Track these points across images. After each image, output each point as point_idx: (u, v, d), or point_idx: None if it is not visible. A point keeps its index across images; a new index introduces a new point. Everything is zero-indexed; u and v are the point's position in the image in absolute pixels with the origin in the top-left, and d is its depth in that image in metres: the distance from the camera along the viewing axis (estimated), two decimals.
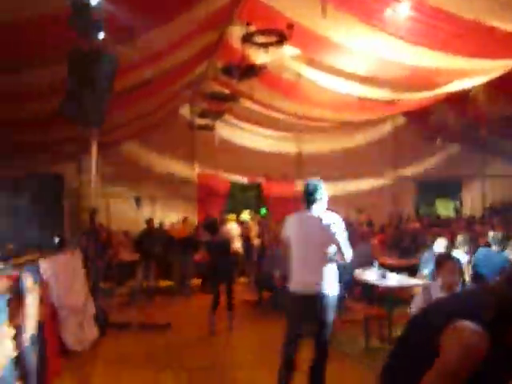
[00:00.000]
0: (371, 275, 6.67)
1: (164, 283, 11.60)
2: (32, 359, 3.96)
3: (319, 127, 14.65)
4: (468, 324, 1.80)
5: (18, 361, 3.55)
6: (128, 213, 13.73)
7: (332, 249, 4.50)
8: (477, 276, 6.15)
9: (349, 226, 5.14)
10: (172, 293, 10.87)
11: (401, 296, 6.44)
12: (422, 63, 8.92)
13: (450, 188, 16.68)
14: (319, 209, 4.57)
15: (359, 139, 15.84)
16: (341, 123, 14.38)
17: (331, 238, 4.44)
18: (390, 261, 8.13)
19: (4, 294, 3.40)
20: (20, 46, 5.57)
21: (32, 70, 6.23)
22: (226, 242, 8.34)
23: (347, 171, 15.13)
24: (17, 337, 3.57)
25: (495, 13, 6.36)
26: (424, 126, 15.22)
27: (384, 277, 6.39)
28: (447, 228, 12.30)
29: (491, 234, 8.01)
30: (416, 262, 8.00)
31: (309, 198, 4.55)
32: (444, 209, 16.99)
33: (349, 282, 7.23)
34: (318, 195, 4.56)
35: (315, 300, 4.40)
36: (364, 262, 7.37)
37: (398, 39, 8.23)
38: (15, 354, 3.48)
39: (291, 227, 4.75)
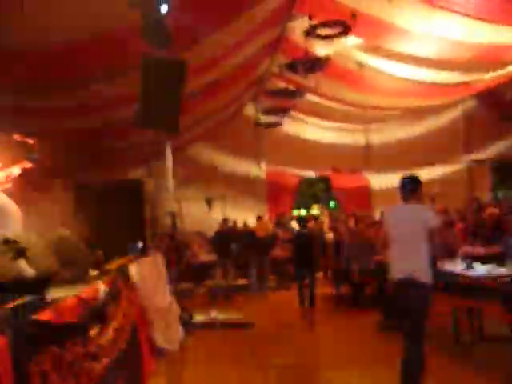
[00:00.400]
0: (456, 266, 6.44)
1: (242, 281, 11.76)
2: (131, 360, 4.11)
3: (386, 116, 14.37)
4: None
5: (119, 361, 3.69)
6: (200, 214, 13.98)
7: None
8: None
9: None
10: (250, 291, 10.98)
11: (488, 287, 6.17)
12: (492, 40, 8.58)
13: None
14: (415, 201, 4.83)
15: (428, 126, 15.38)
16: (408, 110, 14.03)
17: (429, 229, 4.68)
18: (473, 250, 7.80)
19: (101, 299, 3.54)
20: (97, 59, 5.79)
21: (110, 81, 6.48)
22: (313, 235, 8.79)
23: (417, 159, 14.67)
24: (116, 338, 3.72)
25: None
26: (498, 106, 14.58)
27: (471, 267, 6.15)
28: None
29: None
30: (501, 250, 7.63)
31: (405, 190, 4.82)
32: None
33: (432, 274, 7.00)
34: (414, 188, 4.83)
35: (416, 288, 4.58)
36: (446, 252, 7.13)
37: (463, 17, 7.95)
38: (116, 354, 3.62)
39: (390, 219, 5.05)
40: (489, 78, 10.53)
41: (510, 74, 10.32)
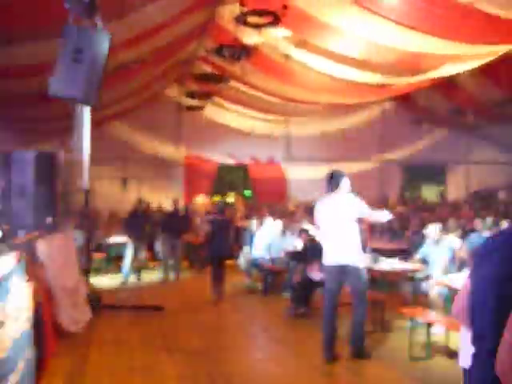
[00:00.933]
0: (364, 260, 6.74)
1: (153, 264, 11.62)
2: (32, 340, 3.94)
3: (308, 110, 14.64)
4: None
5: (21, 341, 3.53)
6: (114, 194, 13.62)
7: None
8: None
9: None
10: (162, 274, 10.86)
11: (392, 280, 6.53)
12: (414, 47, 8.94)
13: (435, 173, 16.85)
14: (341, 192, 5.39)
15: (347, 123, 15.88)
16: (329, 106, 14.38)
17: (358, 213, 5.32)
18: (381, 245, 8.19)
19: (6, 274, 3.36)
20: (13, 19, 5.44)
21: (24, 44, 6.11)
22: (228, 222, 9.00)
23: (335, 154, 15.17)
24: (19, 318, 3.54)
25: None
26: (411, 111, 15.32)
27: (376, 261, 6.46)
28: (432, 213, 12.45)
29: (478, 220, 8.15)
30: (407, 246, 8.09)
31: (332, 183, 5.40)
32: (429, 193, 17.16)
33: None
34: (339, 181, 5.41)
35: (348, 271, 5.28)
36: None
37: (391, 23, 8.22)
38: (18, 334, 3.46)
39: (321, 210, 5.52)
40: (406, 83, 11.01)
41: (427, 81, 10.85)
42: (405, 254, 7.49)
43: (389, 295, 6.78)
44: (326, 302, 5.44)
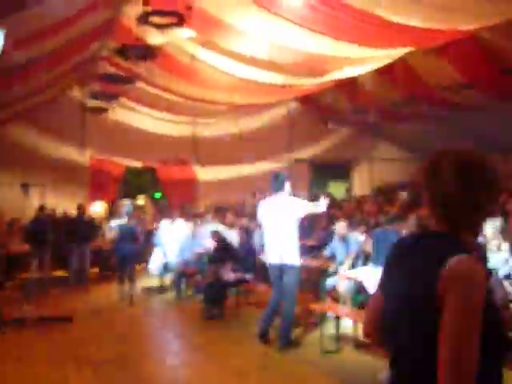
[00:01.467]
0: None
1: (60, 273, 11.11)
2: None
3: (215, 110, 14.63)
4: (465, 258, 1.40)
5: None
6: (15, 201, 12.86)
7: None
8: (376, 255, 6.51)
9: None
10: (69, 284, 10.40)
11: (303, 276, 6.66)
12: (316, 49, 9.20)
13: (341, 170, 17.45)
14: (283, 193, 5.70)
15: (255, 123, 16.05)
16: (237, 106, 14.46)
17: (298, 211, 5.61)
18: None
19: None
20: None
21: None
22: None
23: (243, 154, 15.28)
24: None
25: (384, 4, 6.70)
26: (317, 110, 15.77)
27: None
28: (340, 209, 12.89)
29: (381, 215, 8.52)
30: (316, 243, 8.30)
31: (274, 185, 5.72)
32: (336, 190, 17.74)
33: (252, 265, 7.37)
34: (282, 183, 5.73)
35: (286, 268, 5.58)
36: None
37: (293, 25, 8.40)
38: None
39: (263, 211, 5.87)
40: (310, 83, 11.33)
41: (329, 82, 11.21)
42: (314, 250, 7.69)
43: (300, 291, 6.93)
44: (273, 292, 5.86)
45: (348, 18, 7.31)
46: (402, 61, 9.96)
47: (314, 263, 6.79)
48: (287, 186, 5.75)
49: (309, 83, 11.43)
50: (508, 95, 11.40)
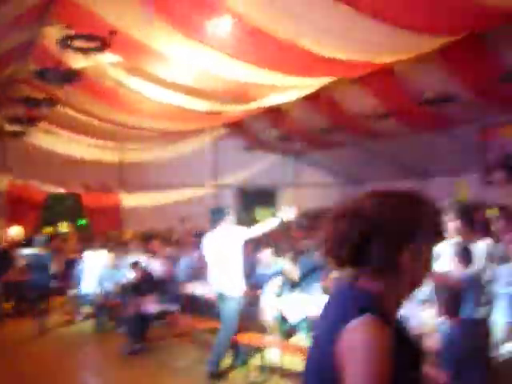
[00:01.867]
0: (200, 287, 6.71)
1: None
2: None
3: (141, 136, 14.41)
4: (364, 319, 1.27)
5: None
6: None
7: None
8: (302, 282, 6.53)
9: None
10: None
11: None
12: (242, 77, 9.29)
13: (268, 196, 17.59)
14: (224, 225, 5.96)
15: (181, 149, 15.93)
16: (163, 132, 14.31)
17: (240, 240, 5.83)
18: None
19: None
20: None
21: None
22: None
23: (170, 180, 15.10)
24: None
25: (308, 36, 6.88)
26: (243, 137, 15.88)
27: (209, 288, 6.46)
28: (268, 235, 12.95)
29: (305, 241, 8.58)
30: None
31: (216, 218, 6.02)
32: (263, 216, 17.82)
33: (177, 296, 7.18)
34: (221, 217, 6.01)
35: (225, 298, 5.71)
36: (192, 273, 7.38)
37: (220, 53, 8.45)
38: None
39: (206, 243, 6.11)
40: (237, 110, 11.41)
41: (256, 109, 11.35)
42: None
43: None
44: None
45: (273, 48, 7.45)
46: (325, 89, 10.24)
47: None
48: (230, 218, 6.03)
49: (235, 110, 11.51)
50: (423, 124, 12.01)
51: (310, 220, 15.46)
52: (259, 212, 18.02)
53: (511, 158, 12.30)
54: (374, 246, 1.35)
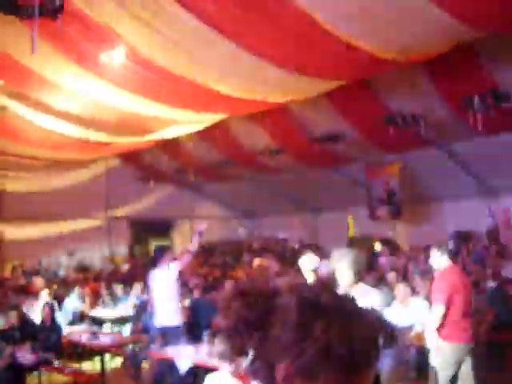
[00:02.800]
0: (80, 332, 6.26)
1: None
2: None
3: (27, 165, 13.54)
4: None
5: None
6: None
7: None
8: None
9: None
10: None
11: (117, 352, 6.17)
12: (135, 109, 9.09)
13: (163, 228, 17.24)
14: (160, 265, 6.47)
15: (72, 179, 15.16)
16: (51, 161, 13.57)
17: (176, 270, 6.41)
18: (103, 312, 7.72)
19: None
20: None
21: None
22: None
23: (58, 212, 14.26)
24: None
25: (206, 74, 6.88)
26: (138, 168, 15.49)
27: (95, 334, 6.04)
28: None
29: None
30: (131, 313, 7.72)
31: (157, 258, 6.59)
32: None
33: (57, 342, 6.62)
34: (158, 257, 6.61)
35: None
36: (78, 316, 6.90)
37: (113, 84, 8.21)
38: None
39: (151, 282, 6.56)
40: (131, 141, 11.11)
41: (150, 141, 11.12)
42: (127, 321, 7.21)
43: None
44: None
45: (168, 83, 7.36)
46: (222, 124, 10.30)
47: (121, 338, 6.30)
48: (165, 258, 6.53)
49: (129, 141, 11.20)
50: (314, 161, 12.44)
51: (206, 253, 15.35)
52: (154, 244, 17.60)
53: (393, 195, 13.05)
54: None
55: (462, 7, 5.02)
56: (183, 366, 4.76)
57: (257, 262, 11.89)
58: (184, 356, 4.87)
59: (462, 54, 7.24)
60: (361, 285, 3.92)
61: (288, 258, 12.96)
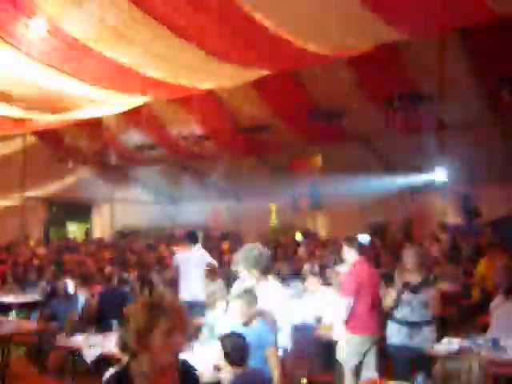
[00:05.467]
0: None
1: None
2: None
3: None
4: None
5: None
6: None
7: None
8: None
9: None
10: None
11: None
12: (57, 86, 8.70)
13: (81, 211, 16.68)
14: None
15: None
16: None
17: None
18: (9, 299, 7.28)
19: None
20: None
21: None
22: None
23: None
24: None
25: (134, 56, 6.66)
26: (57, 147, 14.82)
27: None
28: (77, 252, 12.13)
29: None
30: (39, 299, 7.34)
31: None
32: (76, 232, 16.84)
33: None
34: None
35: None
36: None
37: (31, 58, 7.80)
38: None
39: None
40: (48, 119, 10.61)
41: (70, 120, 10.66)
42: (36, 309, 6.87)
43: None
44: None
45: (91, 61, 7.07)
46: (146, 107, 10.04)
47: (27, 325, 5.98)
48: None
49: (48, 119, 10.69)
50: (239, 149, 12.45)
51: (124, 238, 15.02)
52: (72, 227, 17.02)
53: (315, 186, 13.32)
54: None
55: (387, 8, 5.12)
56: (90, 356, 4.61)
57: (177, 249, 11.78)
58: (92, 346, 4.73)
59: (386, 54, 7.44)
60: (266, 281, 3.99)
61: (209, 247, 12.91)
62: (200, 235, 7.52)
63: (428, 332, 4.68)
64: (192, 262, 6.86)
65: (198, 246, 7.10)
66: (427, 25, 5.78)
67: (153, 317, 1.87)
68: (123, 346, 3.25)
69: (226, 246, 12.46)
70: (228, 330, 3.56)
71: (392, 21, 5.41)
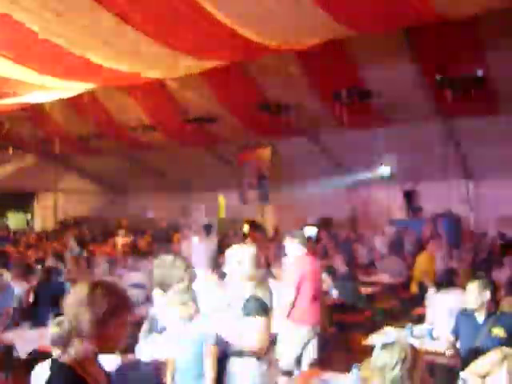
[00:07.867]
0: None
1: None
2: None
3: None
4: None
5: None
6: None
7: None
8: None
9: None
10: None
11: None
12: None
13: (23, 200, 16.11)
14: None
15: None
16: None
17: None
18: None
19: None
20: None
21: None
22: None
23: None
24: None
25: (76, 40, 6.43)
26: None
27: None
28: (18, 243, 11.71)
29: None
30: None
31: None
32: (16, 221, 16.25)
33: None
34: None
35: None
36: None
37: None
38: None
39: None
40: None
41: (10, 105, 10.25)
42: None
43: None
44: None
45: (30, 43, 6.80)
46: (92, 95, 9.78)
47: None
48: None
49: None
50: (188, 140, 12.32)
51: (69, 228, 14.60)
52: (12, 217, 16.41)
53: (263, 179, 13.34)
54: None
55: (335, 5, 5.16)
56: (24, 351, 4.44)
57: (122, 240, 11.60)
58: (25, 340, 4.55)
59: (334, 49, 7.50)
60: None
61: (157, 237, 12.77)
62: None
63: None
64: None
65: None
66: (374, 23, 5.88)
67: (110, 303, 1.90)
68: (59, 339, 3.08)
69: (176, 237, 12.30)
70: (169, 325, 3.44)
71: (341, 18, 5.48)
